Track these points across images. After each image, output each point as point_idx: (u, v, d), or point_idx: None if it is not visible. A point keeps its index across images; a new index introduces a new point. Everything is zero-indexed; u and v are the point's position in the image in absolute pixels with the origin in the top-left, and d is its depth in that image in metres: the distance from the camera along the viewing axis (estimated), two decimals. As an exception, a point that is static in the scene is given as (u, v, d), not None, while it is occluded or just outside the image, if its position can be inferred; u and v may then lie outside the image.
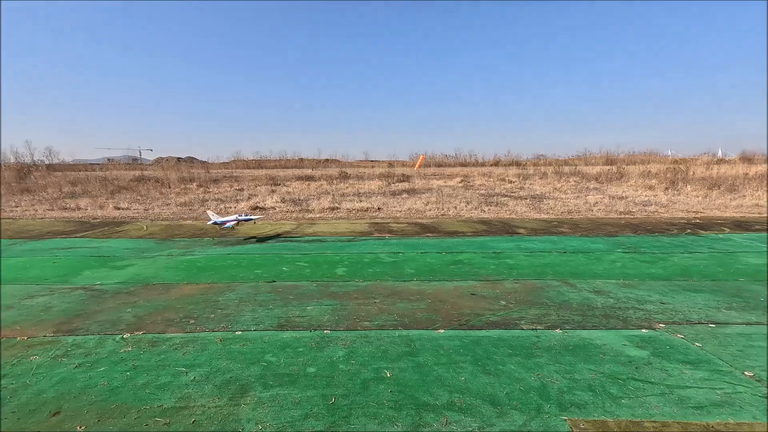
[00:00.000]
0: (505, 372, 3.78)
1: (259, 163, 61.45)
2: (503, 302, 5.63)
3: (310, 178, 29.15)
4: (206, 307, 5.47)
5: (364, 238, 10.43)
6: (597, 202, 16.57)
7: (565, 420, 3.08)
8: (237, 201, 18.22)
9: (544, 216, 13.87)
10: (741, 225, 11.69)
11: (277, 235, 10.73)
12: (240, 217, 10.90)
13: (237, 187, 24.83)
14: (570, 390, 3.47)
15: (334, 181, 26.94)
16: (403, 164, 50.60)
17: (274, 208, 16.10)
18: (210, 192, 22.78)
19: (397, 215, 14.41)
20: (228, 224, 10.55)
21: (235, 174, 37.24)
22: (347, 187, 23.89)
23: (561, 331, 4.65)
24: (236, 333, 4.65)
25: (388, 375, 3.75)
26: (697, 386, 3.49)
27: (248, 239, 10.26)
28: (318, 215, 14.42)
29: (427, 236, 10.60)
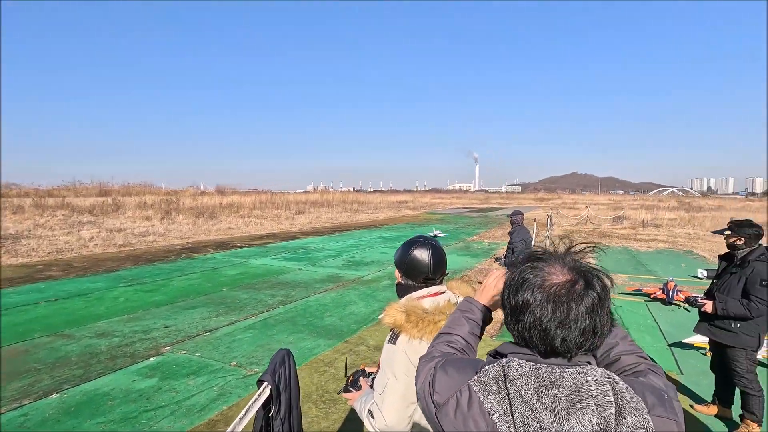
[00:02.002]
0: (-28, 486, 2.74)
1: None
2: (-38, 390, 4.04)
3: None
4: None
5: None
6: (93, 237, 15.28)
7: (72, 497, 2.65)
8: None
9: (24, 260, 11.16)
10: (221, 245, 14.51)
11: None
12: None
13: None
14: (75, 459, 3.02)
15: None
16: None
17: None
18: None
19: None
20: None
21: None
22: None
23: (58, 395, 3.94)
24: None
25: None
26: (199, 391, 4.02)
27: None
28: None
29: None
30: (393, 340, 1.46)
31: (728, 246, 3.41)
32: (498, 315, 1.18)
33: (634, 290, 7.91)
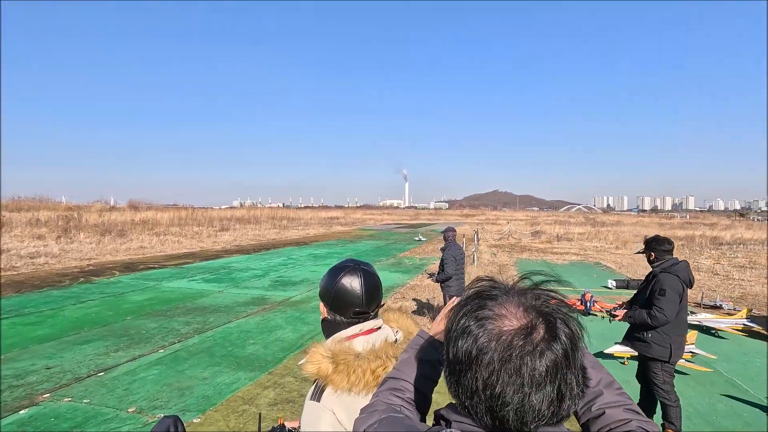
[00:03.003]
0: None
1: None
2: None
3: None
4: None
5: None
6: (-36, 260, 12.88)
7: None
8: None
9: None
10: (129, 267, 12.99)
11: None
12: None
13: None
14: None
15: None
16: None
17: None
18: None
19: None
20: None
21: None
22: None
23: None
24: None
25: None
26: (83, 449, 3.30)
27: None
28: None
29: None
30: (317, 395, 1.15)
31: (648, 262, 3.57)
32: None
33: (556, 302, 8.28)
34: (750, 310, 7.09)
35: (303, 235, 27.05)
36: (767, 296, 9.17)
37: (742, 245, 20.36)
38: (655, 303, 3.25)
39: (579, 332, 0.66)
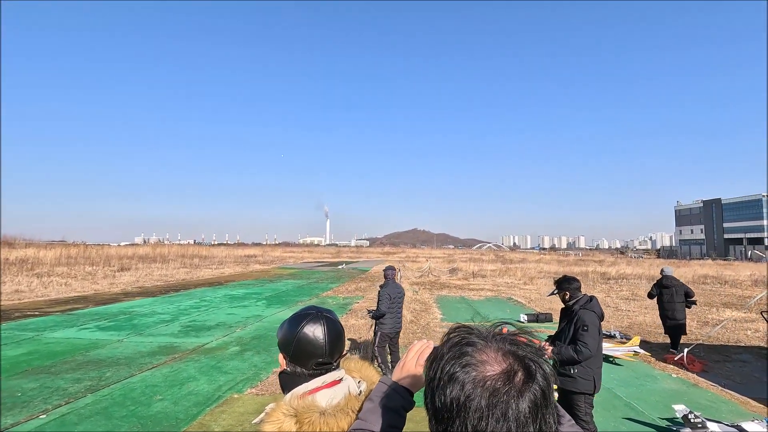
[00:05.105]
0: None
1: None
2: None
3: None
4: None
5: None
6: None
7: None
8: None
9: None
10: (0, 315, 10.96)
11: None
12: None
13: None
14: None
15: None
16: None
17: None
18: None
19: None
20: None
21: None
22: None
23: None
24: None
25: None
26: None
27: None
28: None
29: None
30: (277, 458, 1.05)
31: (562, 301, 3.91)
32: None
33: (477, 338, 8.64)
34: (639, 339, 8.04)
35: (217, 275, 25.26)
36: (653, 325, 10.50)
37: (625, 280, 23.27)
38: (580, 339, 3.52)
39: (551, 373, 0.72)
